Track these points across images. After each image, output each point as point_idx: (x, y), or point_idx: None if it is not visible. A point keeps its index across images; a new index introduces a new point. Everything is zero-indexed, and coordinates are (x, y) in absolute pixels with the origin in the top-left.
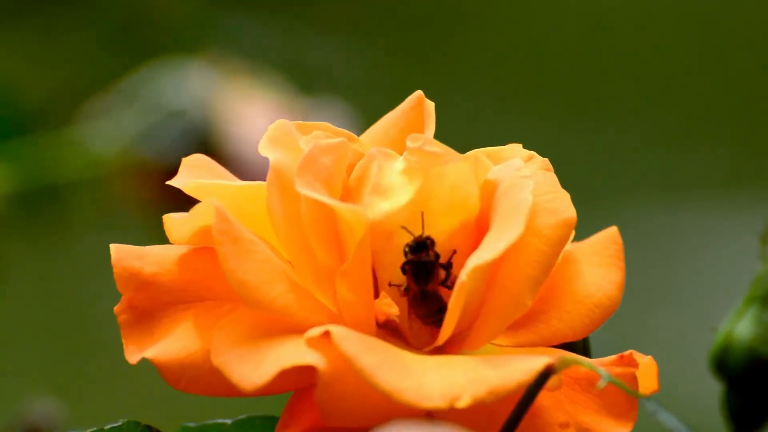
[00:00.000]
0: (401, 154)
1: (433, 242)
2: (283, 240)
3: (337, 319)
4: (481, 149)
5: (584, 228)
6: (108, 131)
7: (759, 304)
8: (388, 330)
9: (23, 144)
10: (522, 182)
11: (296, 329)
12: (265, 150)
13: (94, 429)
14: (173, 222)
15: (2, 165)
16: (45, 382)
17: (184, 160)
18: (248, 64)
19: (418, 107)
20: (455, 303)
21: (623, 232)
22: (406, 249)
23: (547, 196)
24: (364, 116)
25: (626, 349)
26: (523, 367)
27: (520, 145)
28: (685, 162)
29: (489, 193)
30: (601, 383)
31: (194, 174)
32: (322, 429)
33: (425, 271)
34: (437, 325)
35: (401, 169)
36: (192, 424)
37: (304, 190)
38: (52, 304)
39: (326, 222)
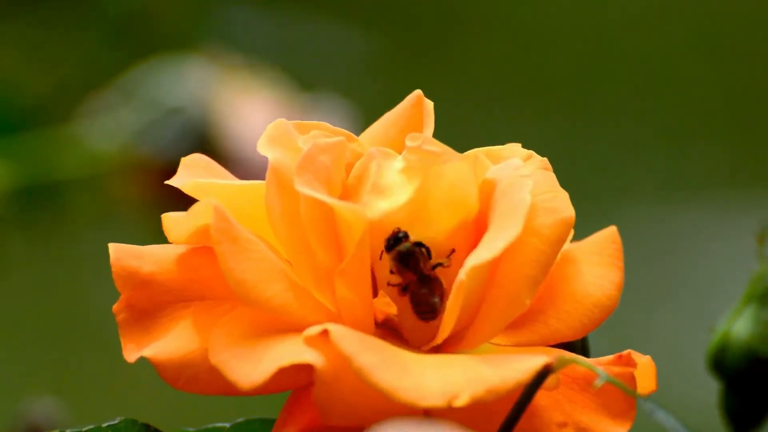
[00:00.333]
0: (400, 154)
1: (406, 234)
2: (281, 239)
3: (336, 318)
4: (480, 148)
5: (583, 227)
6: (107, 128)
7: (757, 303)
8: (386, 329)
9: (22, 141)
10: (521, 182)
11: (295, 328)
12: (264, 149)
13: (92, 427)
14: (172, 221)
15: (1, 162)
16: (45, 382)
17: (183, 160)
18: (246, 61)
19: (418, 106)
20: (454, 302)
21: (622, 232)
22: (385, 252)
23: (545, 196)
24: (363, 115)
25: (624, 349)
26: (522, 366)
27: (519, 145)
28: (685, 162)
29: (488, 192)
30: (599, 382)
31: (193, 173)
32: (321, 428)
33: (409, 256)
34: (433, 316)
35: (400, 168)
36: (191, 429)
37: (303, 189)
38: (51, 303)
39: (325, 221)
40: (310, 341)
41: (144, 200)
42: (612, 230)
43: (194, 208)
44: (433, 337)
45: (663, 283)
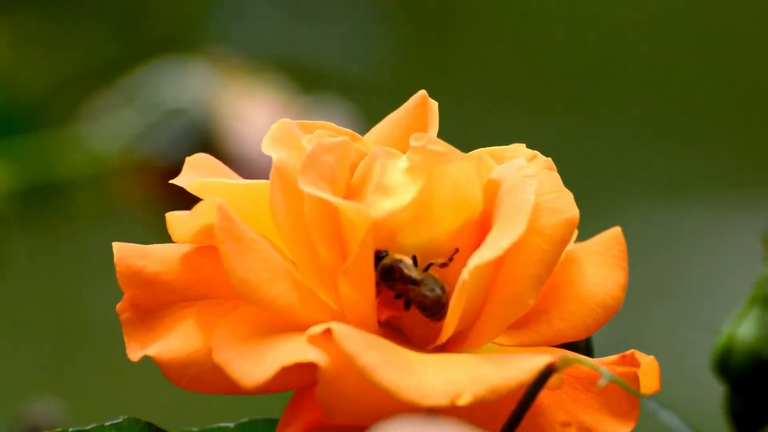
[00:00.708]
0: (404, 153)
1: (386, 252)
2: (285, 238)
3: (339, 317)
4: (484, 148)
5: (583, 227)
6: (109, 129)
7: (761, 305)
8: (389, 328)
9: (24, 142)
10: (525, 182)
11: (298, 327)
12: (268, 149)
13: (95, 426)
14: (176, 220)
15: (3, 162)
16: (45, 382)
17: (188, 159)
18: (249, 62)
19: (422, 106)
20: (457, 301)
21: (623, 232)
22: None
23: (549, 196)
24: (366, 115)
25: (628, 349)
26: (525, 365)
27: (524, 145)
28: (685, 162)
29: (492, 192)
30: (603, 382)
31: (198, 173)
32: (324, 427)
33: (391, 270)
34: (442, 310)
35: (404, 168)
36: (195, 429)
37: (308, 188)
38: (52, 303)
39: (329, 220)
40: (313, 340)
41: (146, 201)
42: (616, 231)
43: (198, 207)
44: (437, 336)
45: (663, 283)
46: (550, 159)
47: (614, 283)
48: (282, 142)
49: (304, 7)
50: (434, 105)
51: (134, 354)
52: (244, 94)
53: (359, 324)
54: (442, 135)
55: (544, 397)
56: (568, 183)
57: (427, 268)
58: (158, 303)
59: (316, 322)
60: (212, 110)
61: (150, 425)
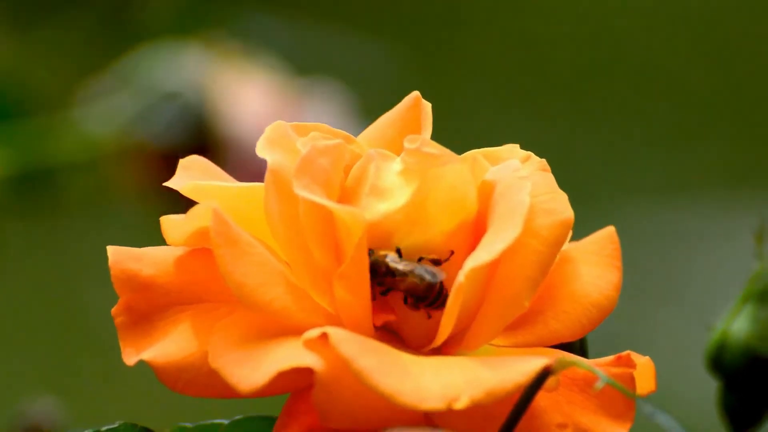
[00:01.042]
0: (398, 155)
1: (371, 251)
2: (280, 241)
3: (335, 321)
4: (478, 150)
5: (582, 228)
6: (103, 114)
7: (755, 301)
8: (385, 331)
9: (18, 127)
10: (519, 183)
11: (294, 331)
12: (263, 151)
13: (91, 430)
14: (171, 224)
15: None
16: (45, 382)
17: (181, 162)
18: (244, 46)
19: (415, 108)
20: (453, 303)
21: (622, 232)
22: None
23: (544, 197)
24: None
25: (623, 349)
26: (521, 368)
27: (518, 146)
28: (685, 162)
29: (487, 194)
30: (599, 384)
31: (191, 175)
32: (321, 430)
33: (376, 265)
34: (439, 299)
35: (399, 171)
36: (189, 424)
37: (302, 192)
38: (49, 300)
39: (324, 224)
40: (309, 344)
41: (141, 185)
42: (610, 230)
43: (193, 210)
44: (433, 338)
45: (662, 283)
46: (544, 160)
47: (608, 282)
48: (277, 144)
49: (307, 13)
50: (427, 106)
51: (130, 358)
52: (239, 77)
53: (355, 327)
54: (442, 135)
55: (541, 398)
56: (568, 183)
57: (419, 262)
58: (153, 307)
59: (312, 326)
60: (207, 94)
61: (146, 430)
